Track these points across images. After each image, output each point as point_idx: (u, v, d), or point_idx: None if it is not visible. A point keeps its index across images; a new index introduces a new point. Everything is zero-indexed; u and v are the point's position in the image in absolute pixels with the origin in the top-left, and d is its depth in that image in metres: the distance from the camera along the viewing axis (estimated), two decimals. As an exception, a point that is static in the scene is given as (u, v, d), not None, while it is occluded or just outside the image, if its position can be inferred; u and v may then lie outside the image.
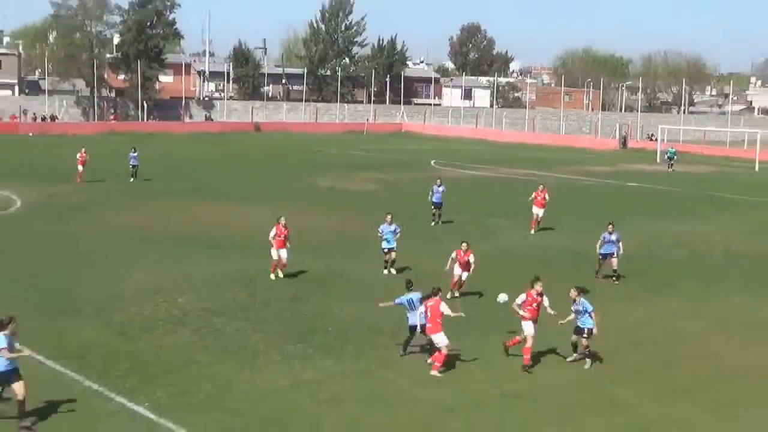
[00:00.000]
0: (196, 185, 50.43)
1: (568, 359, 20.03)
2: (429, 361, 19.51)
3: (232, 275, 27.91)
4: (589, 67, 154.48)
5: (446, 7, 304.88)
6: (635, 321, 24.00)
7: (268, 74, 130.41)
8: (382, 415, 16.98)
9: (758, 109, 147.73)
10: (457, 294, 25.71)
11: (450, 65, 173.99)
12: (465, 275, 25.76)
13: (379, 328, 22.55)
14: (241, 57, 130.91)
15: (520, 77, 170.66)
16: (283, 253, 27.10)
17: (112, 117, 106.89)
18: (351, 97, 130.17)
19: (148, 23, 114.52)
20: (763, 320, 24.77)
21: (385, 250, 28.57)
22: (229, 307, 24.25)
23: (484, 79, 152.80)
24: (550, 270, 28.30)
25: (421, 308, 19.72)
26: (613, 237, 28.40)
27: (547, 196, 37.46)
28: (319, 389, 18.19)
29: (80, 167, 49.84)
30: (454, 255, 25.70)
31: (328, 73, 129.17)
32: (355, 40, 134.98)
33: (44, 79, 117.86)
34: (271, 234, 27.20)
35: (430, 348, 19.76)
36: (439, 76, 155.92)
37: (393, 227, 28.67)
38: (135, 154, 51.90)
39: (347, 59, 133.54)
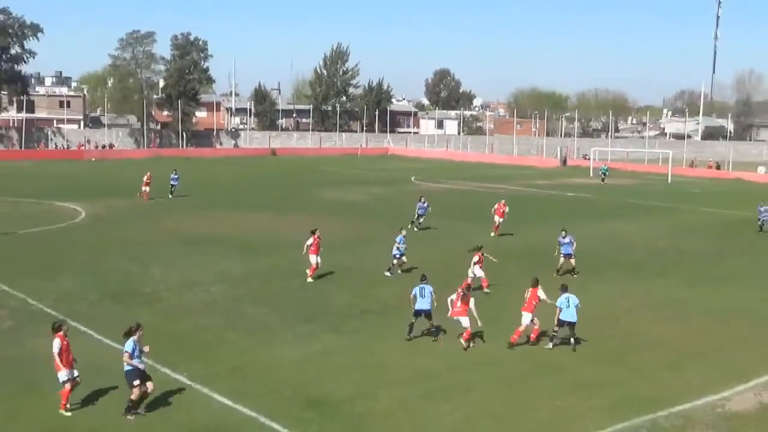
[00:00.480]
0: (226, 199, 50.24)
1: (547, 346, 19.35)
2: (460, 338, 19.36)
3: (254, 270, 27.85)
4: (535, 101, 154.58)
5: (422, 56, 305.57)
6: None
7: (282, 110, 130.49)
8: (375, 379, 16.94)
9: (669, 134, 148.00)
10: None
11: (425, 101, 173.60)
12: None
13: (370, 310, 22.55)
14: (261, 96, 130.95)
15: (481, 110, 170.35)
16: (318, 258, 26.34)
17: (152, 145, 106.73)
18: (348, 128, 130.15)
19: (187, 70, 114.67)
20: (676, 299, 24.84)
21: (397, 256, 27.35)
22: (252, 296, 24.19)
23: (452, 113, 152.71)
24: (509, 262, 28.36)
25: (453, 296, 19.41)
26: (567, 240, 28.00)
27: (507, 209, 36.94)
28: (324, 360, 18.15)
29: (146, 188, 48.22)
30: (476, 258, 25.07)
31: (330, 108, 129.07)
32: (350, 82, 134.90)
33: (104, 115, 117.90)
34: (308, 242, 26.26)
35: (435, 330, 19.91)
36: (417, 110, 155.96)
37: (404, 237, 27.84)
38: (176, 176, 50.77)
39: (344, 97, 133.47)
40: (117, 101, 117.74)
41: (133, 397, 14.65)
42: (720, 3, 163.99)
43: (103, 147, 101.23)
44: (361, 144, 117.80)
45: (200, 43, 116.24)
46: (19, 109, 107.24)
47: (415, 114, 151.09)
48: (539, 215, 44.83)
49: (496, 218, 36.93)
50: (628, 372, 17.82)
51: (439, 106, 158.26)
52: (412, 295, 19.79)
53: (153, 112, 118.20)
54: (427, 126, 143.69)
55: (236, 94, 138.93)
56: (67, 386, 14.87)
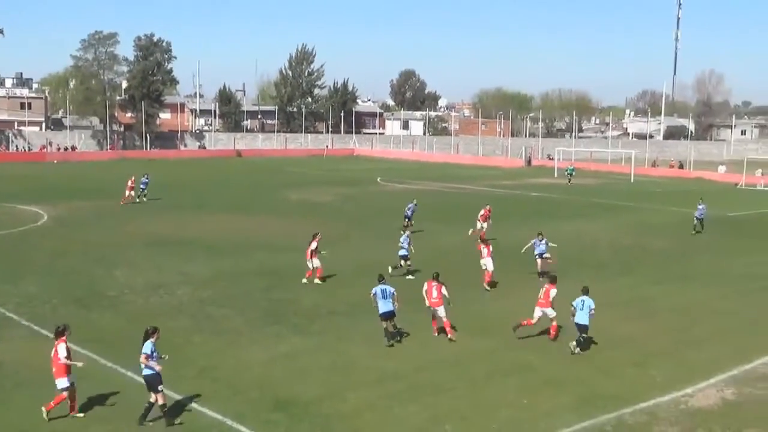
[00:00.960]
0: (192, 201, 49.89)
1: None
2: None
3: (220, 271, 27.69)
4: (500, 102, 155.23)
5: (388, 57, 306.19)
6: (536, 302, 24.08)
7: (247, 111, 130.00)
8: (342, 380, 16.91)
9: (632, 134, 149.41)
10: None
11: (391, 102, 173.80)
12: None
13: (337, 311, 22.51)
14: (225, 97, 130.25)
15: (446, 111, 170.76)
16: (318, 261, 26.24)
17: (110, 147, 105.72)
18: (313, 129, 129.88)
19: (150, 71, 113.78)
20: (641, 297, 25.12)
21: (402, 256, 27.29)
22: (219, 297, 24.04)
23: (418, 113, 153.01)
24: (474, 262, 28.41)
25: (426, 287, 19.98)
26: (542, 243, 28.04)
27: (489, 214, 36.27)
28: (291, 361, 18.10)
29: (129, 192, 47.57)
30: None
31: (295, 109, 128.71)
32: (316, 83, 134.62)
33: (66, 117, 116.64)
34: (313, 246, 26.02)
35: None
36: (382, 111, 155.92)
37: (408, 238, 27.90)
38: (146, 180, 49.54)
39: (310, 98, 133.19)
40: (79, 103, 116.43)
41: (160, 401, 14.46)
42: (680, 4, 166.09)
43: (66, 149, 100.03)
44: (327, 145, 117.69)
45: (164, 44, 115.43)
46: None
47: (381, 115, 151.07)
48: (504, 215, 44.99)
49: (479, 223, 35.75)
50: (594, 370, 17.97)
51: (404, 106, 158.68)
52: (372, 294, 19.66)
53: (116, 114, 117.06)
54: (392, 127, 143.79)
55: (201, 96, 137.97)
56: (65, 393, 14.60)
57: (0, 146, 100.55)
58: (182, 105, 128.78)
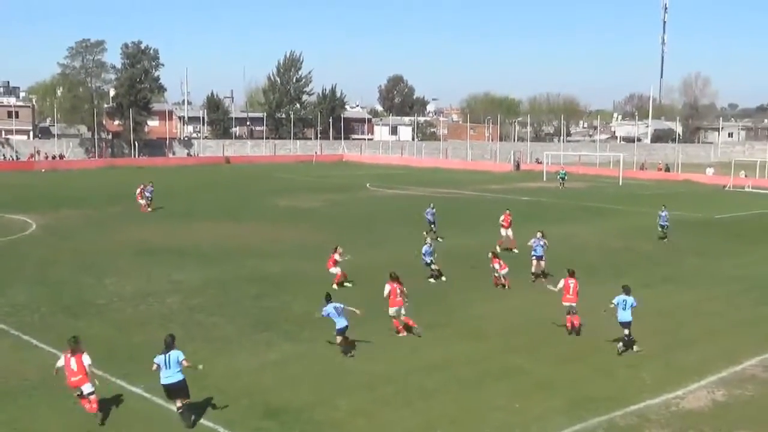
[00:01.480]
0: (181, 208, 49.67)
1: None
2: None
3: (210, 279, 27.60)
4: (488, 107, 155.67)
5: (376, 62, 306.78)
6: (532, 304, 24.15)
7: (235, 118, 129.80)
8: (333, 386, 16.87)
9: (619, 137, 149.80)
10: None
11: (379, 108, 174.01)
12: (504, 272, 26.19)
13: (328, 318, 22.40)
14: (214, 104, 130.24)
15: (435, 116, 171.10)
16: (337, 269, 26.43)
17: (90, 155, 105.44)
18: (302, 135, 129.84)
19: (138, 79, 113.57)
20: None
21: (427, 263, 27.51)
22: (208, 305, 23.96)
23: (406, 119, 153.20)
24: (475, 263, 28.52)
25: (389, 289, 20.56)
26: (542, 242, 28.25)
27: (510, 219, 34.72)
28: (281, 368, 18.06)
29: (142, 201, 47.59)
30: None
31: (284, 116, 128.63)
32: (304, 89, 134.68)
33: (54, 125, 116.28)
34: (336, 257, 26.27)
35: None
36: (371, 116, 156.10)
37: (430, 247, 27.88)
38: (151, 188, 49.00)
39: (298, 105, 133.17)
40: (67, 111, 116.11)
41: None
42: (666, 8, 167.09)
43: (54, 158, 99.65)
44: (316, 151, 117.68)
45: (151, 51, 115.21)
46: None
47: (369, 120, 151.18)
48: (492, 219, 45.00)
49: (504, 230, 34.34)
50: (585, 372, 17.98)
51: (393, 112, 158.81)
52: (324, 314, 19.18)
53: (104, 122, 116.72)
54: (381, 132, 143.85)
55: (189, 103, 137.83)
56: (95, 396, 14.86)
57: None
58: (170, 112, 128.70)
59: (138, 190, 48.40)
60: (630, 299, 19.48)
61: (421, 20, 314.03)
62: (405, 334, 20.48)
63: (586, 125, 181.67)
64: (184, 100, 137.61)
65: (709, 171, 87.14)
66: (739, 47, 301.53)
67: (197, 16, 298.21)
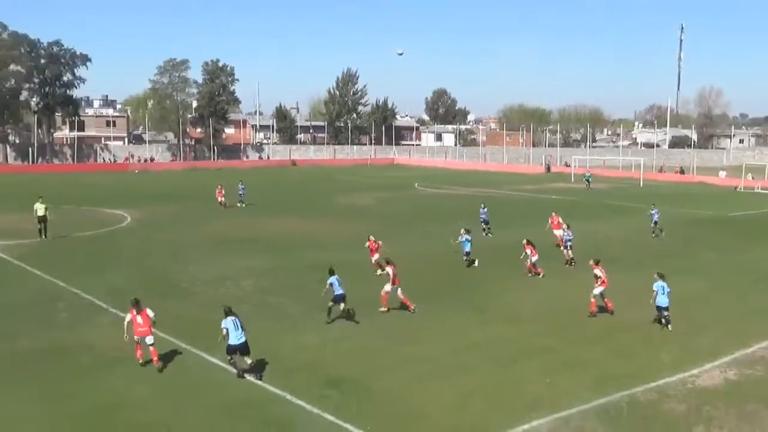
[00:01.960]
0: (255, 204, 50.03)
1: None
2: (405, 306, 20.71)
3: (279, 266, 27.84)
4: (523, 116, 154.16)
5: (422, 77, 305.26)
6: (558, 292, 23.90)
7: (300, 126, 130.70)
8: (384, 361, 16.90)
9: (640, 143, 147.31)
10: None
11: (426, 117, 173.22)
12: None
13: (379, 301, 22.45)
14: (281, 114, 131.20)
15: (475, 124, 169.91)
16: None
17: (176, 158, 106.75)
18: (358, 141, 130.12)
19: (217, 92, 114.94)
20: (648, 288, 24.44)
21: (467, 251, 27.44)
22: (278, 288, 24.17)
23: (449, 127, 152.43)
24: (502, 255, 28.29)
25: (391, 270, 20.97)
26: (569, 233, 28.56)
27: (560, 219, 32.95)
28: (340, 344, 18.14)
29: (221, 199, 47.38)
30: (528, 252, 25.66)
31: (342, 124, 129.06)
32: (360, 101, 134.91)
33: (145, 133, 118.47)
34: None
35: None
36: (418, 125, 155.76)
37: (467, 237, 27.64)
38: (243, 186, 49.27)
39: (355, 114, 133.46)
40: (156, 120, 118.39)
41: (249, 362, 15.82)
42: (683, 29, 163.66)
43: (145, 160, 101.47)
44: (370, 155, 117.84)
45: (228, 68, 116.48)
46: (72, 129, 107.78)
47: (417, 128, 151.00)
48: (527, 214, 44.69)
49: (556, 232, 32.48)
50: (609, 352, 17.73)
51: (437, 121, 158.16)
52: (329, 284, 19.90)
53: (188, 130, 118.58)
54: (427, 139, 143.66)
55: (260, 113, 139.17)
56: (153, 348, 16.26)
57: (89, 159, 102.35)
58: (244, 121, 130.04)
59: (217, 190, 48.46)
60: (666, 285, 19.65)
61: (464, 41, 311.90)
62: (386, 309, 20.80)
63: (609, 132, 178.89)
64: (256, 111, 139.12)
65: (722, 174, 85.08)
66: (750, 61, 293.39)
67: (269, 37, 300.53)
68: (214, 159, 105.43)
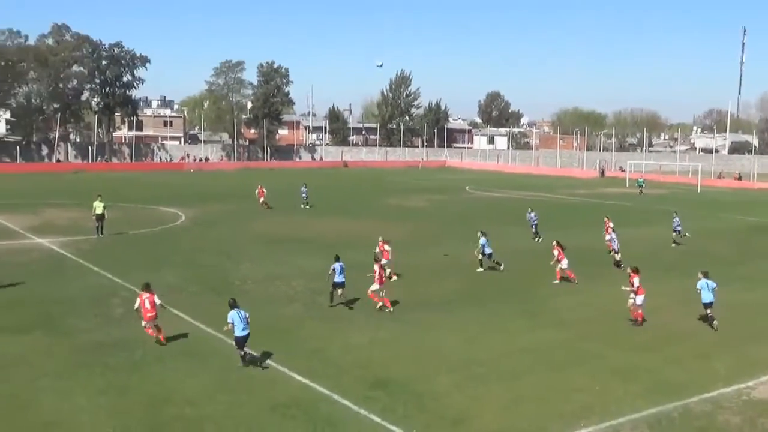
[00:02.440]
0: (315, 206, 50.26)
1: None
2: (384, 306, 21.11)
3: (329, 266, 27.85)
4: (577, 120, 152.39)
5: (476, 80, 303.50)
6: (611, 298, 23.47)
7: (352, 127, 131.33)
8: (433, 363, 16.83)
9: (699, 148, 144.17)
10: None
11: (478, 120, 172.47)
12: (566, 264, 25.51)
13: (430, 303, 22.39)
14: (334, 116, 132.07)
15: (528, 128, 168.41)
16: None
17: (230, 158, 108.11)
18: (410, 143, 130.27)
19: (271, 94, 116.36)
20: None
21: (485, 253, 27.17)
22: (328, 288, 24.21)
23: (502, 130, 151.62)
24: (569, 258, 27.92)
25: (377, 268, 21.52)
26: (614, 236, 29.16)
27: (611, 224, 31.88)
28: (388, 346, 18.14)
29: (262, 199, 47.68)
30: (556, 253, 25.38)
31: (394, 126, 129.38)
32: (412, 104, 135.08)
33: (201, 133, 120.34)
34: (387, 247, 26.15)
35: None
36: (471, 128, 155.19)
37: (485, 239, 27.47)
38: (305, 189, 49.29)
39: (407, 117, 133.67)
40: (212, 121, 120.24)
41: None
42: (745, 31, 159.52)
43: (200, 160, 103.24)
44: (422, 157, 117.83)
45: (283, 70, 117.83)
46: (130, 128, 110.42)
47: (470, 131, 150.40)
48: (581, 219, 44.06)
49: (607, 235, 31.20)
50: (661, 361, 17.35)
51: (490, 124, 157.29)
52: (331, 270, 21.19)
53: (242, 130, 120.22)
54: (479, 142, 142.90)
55: (313, 114, 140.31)
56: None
57: (147, 158, 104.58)
58: (297, 122, 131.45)
59: (257, 190, 48.45)
60: (711, 282, 19.45)
61: (518, 43, 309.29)
62: (380, 305, 21.19)
63: (667, 137, 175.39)
64: (309, 112, 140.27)
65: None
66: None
67: (323, 38, 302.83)
68: (266, 160, 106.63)
